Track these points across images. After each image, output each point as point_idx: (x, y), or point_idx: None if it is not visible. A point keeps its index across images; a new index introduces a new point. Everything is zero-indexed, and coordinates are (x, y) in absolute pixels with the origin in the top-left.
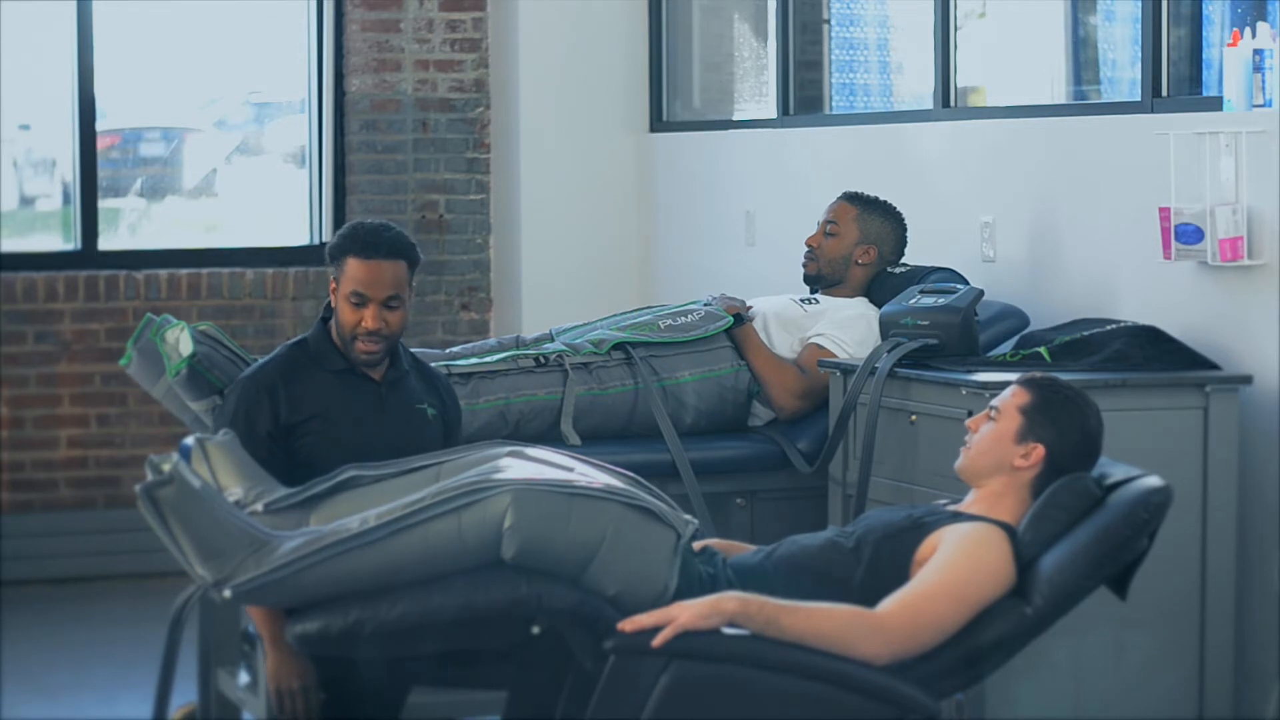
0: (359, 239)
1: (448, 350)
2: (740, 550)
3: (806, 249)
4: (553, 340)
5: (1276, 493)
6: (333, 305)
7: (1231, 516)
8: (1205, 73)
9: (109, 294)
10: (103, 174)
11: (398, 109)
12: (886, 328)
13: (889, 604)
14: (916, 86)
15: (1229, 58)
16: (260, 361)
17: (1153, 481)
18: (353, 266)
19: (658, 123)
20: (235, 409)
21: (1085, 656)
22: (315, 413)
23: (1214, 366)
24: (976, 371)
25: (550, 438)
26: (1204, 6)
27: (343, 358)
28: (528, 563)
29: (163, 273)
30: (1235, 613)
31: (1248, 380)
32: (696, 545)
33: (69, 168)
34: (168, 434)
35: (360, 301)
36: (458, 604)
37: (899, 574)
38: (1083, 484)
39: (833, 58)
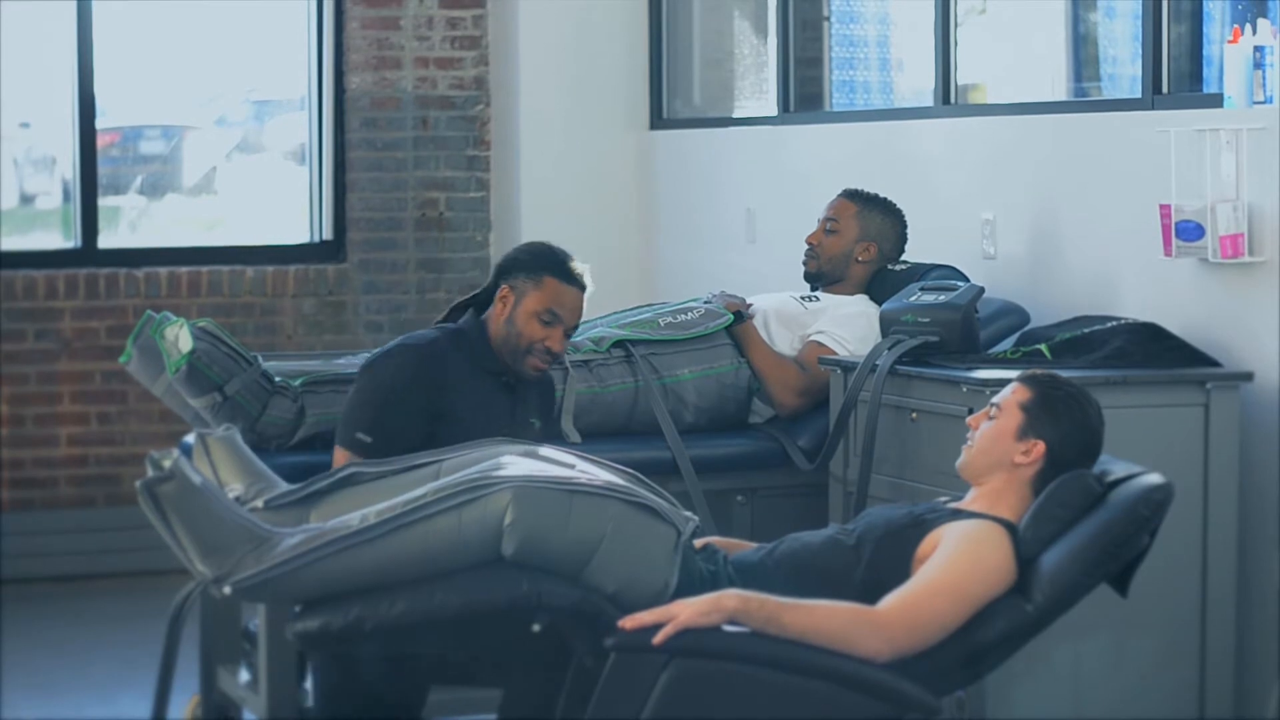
0: (563, 264)
1: None
2: (741, 548)
3: (807, 246)
4: None
5: (1277, 490)
6: (503, 311)
7: (1232, 514)
8: (1206, 69)
9: (109, 292)
10: (103, 172)
11: (398, 106)
12: (887, 325)
13: (890, 601)
14: (917, 83)
15: (1229, 54)
16: (427, 339)
17: (1154, 479)
18: (554, 288)
19: (658, 120)
20: (396, 375)
21: (1086, 658)
22: (455, 408)
23: (1215, 363)
24: (977, 369)
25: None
26: (1204, 3)
27: (495, 361)
28: (528, 560)
29: (163, 270)
30: (1235, 612)
31: (1248, 377)
32: (697, 543)
33: (69, 165)
34: (168, 431)
35: (552, 321)
36: (458, 602)
37: (900, 571)
38: (1084, 481)
39: (833, 55)
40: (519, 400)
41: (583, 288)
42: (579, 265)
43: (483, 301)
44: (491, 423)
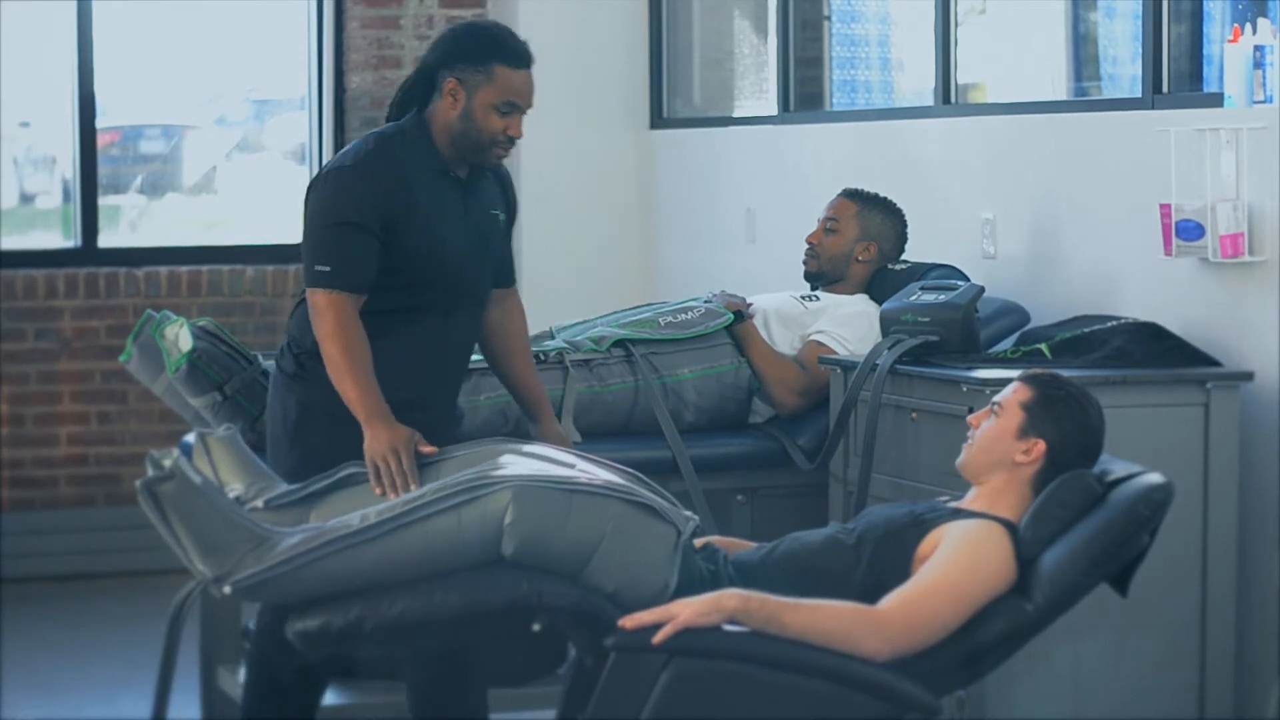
0: (508, 48)
1: None
2: (741, 547)
3: (807, 246)
4: (553, 337)
5: (1277, 490)
6: (454, 106)
7: (1232, 514)
8: (1206, 69)
9: (109, 291)
10: (103, 171)
11: None
12: (887, 324)
13: (890, 601)
14: (917, 83)
15: (1230, 54)
16: (361, 154)
17: (1154, 478)
18: (506, 76)
19: (658, 120)
20: (338, 199)
21: (1086, 658)
22: (404, 215)
23: (1215, 363)
24: (977, 368)
25: None
26: (1204, 3)
27: (438, 160)
28: (528, 560)
29: (163, 270)
30: (1235, 612)
31: (1248, 377)
32: (697, 542)
33: (69, 165)
34: (168, 431)
35: (510, 111)
36: (458, 602)
37: (900, 571)
38: (1084, 481)
39: (833, 54)
40: (471, 194)
41: (530, 64)
42: (521, 39)
43: (423, 95)
44: (445, 220)
